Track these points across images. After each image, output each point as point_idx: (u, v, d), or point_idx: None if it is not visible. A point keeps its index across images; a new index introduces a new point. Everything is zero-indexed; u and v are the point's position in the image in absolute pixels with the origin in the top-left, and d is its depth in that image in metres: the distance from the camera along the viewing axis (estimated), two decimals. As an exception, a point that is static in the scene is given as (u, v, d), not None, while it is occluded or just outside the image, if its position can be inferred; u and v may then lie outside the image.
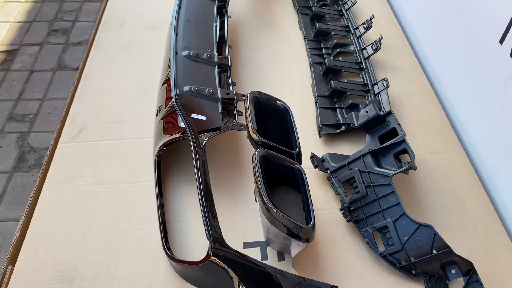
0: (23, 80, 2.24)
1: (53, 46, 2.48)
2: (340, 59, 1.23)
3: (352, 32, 1.31)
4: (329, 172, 0.93)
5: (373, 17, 1.24)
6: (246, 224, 0.88)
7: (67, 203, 0.94)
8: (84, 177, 0.99)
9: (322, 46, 1.30)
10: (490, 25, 0.88)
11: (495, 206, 0.90)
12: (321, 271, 0.81)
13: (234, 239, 0.83)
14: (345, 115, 1.08)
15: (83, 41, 2.53)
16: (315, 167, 0.94)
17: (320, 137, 1.05)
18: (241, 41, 1.35)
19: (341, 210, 0.87)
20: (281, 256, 0.83)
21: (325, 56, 1.26)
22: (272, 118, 0.85)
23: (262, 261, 0.73)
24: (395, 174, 0.83)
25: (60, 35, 2.57)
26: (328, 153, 0.97)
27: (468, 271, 0.75)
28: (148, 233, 0.87)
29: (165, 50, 1.21)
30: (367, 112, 0.97)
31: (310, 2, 1.46)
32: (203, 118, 0.94)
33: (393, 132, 0.93)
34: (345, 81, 1.16)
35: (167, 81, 1.07)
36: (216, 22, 1.23)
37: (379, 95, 1.10)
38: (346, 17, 1.38)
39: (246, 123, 0.81)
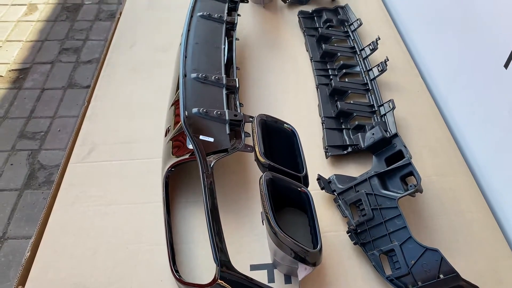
0: (35, 98, 2.29)
1: (64, 65, 2.54)
2: (346, 80, 1.25)
3: (358, 53, 1.33)
4: (335, 194, 0.94)
5: (379, 38, 1.26)
6: (253, 246, 0.89)
7: (76, 224, 0.95)
8: (94, 197, 1.01)
9: (329, 67, 1.32)
10: (495, 49, 0.89)
11: (502, 229, 0.90)
12: (328, 294, 0.82)
13: (241, 261, 0.84)
14: (351, 136, 1.09)
15: (93, 59, 2.58)
16: (322, 188, 0.95)
17: (326, 158, 1.06)
18: (249, 62, 1.37)
19: (348, 232, 0.87)
20: (288, 279, 0.83)
21: (331, 77, 1.28)
22: (279, 141, 0.87)
23: (269, 284, 0.74)
24: (402, 197, 0.84)
25: (71, 54, 2.63)
26: (334, 174, 0.97)
27: (476, 296, 0.74)
28: (156, 255, 0.88)
29: (174, 72, 1.24)
30: (373, 134, 0.98)
31: (317, 24, 1.49)
32: (211, 139, 0.95)
33: (400, 155, 0.93)
34: (351, 102, 1.17)
35: (176, 102, 1.09)
36: (224, 44, 1.25)
37: (385, 117, 1.11)
38: (352, 38, 1.39)
39: (254, 145, 0.83)
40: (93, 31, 2.84)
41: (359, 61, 1.30)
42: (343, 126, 1.13)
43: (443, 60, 1.19)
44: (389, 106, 1.10)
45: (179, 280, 0.79)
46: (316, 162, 1.05)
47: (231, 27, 1.33)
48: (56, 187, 1.04)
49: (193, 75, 1.10)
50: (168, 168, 0.96)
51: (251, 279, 0.70)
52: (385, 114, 1.11)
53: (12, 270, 1.58)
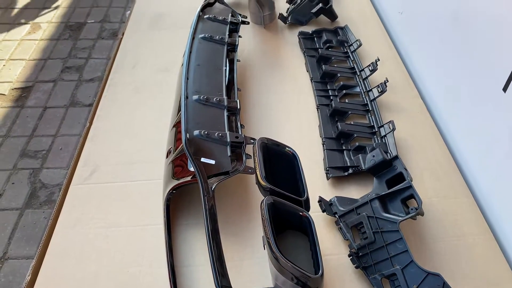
0: (37, 116, 2.30)
1: (66, 83, 2.56)
2: (347, 100, 1.26)
3: (358, 74, 1.34)
4: (337, 217, 0.94)
5: (378, 59, 1.27)
6: (254, 269, 0.88)
7: (77, 247, 0.95)
8: (95, 219, 1.01)
9: (329, 88, 1.33)
10: (494, 73, 0.90)
11: (504, 253, 0.90)
12: (330, 319, 0.81)
13: (242, 285, 0.83)
14: (352, 158, 1.09)
15: (95, 78, 2.61)
16: (323, 211, 0.95)
17: (327, 179, 1.06)
18: (250, 82, 1.38)
19: (349, 256, 0.87)
20: (289, 303, 0.83)
21: (331, 97, 1.29)
22: (280, 164, 0.87)
23: (271, 310, 0.73)
24: (403, 220, 0.84)
25: (74, 72, 2.65)
26: (336, 196, 0.97)
27: (479, 321, 0.74)
28: (157, 278, 0.88)
29: (176, 92, 1.25)
30: (373, 156, 0.98)
31: (317, 44, 1.50)
32: (212, 162, 0.96)
33: (400, 177, 0.94)
34: (352, 123, 1.18)
35: (177, 124, 1.10)
36: (226, 65, 1.26)
37: (385, 138, 1.11)
38: (352, 59, 1.41)
39: (255, 169, 0.83)
40: (95, 49, 2.87)
41: (359, 82, 1.32)
42: (344, 147, 1.13)
43: (442, 81, 1.20)
44: (389, 127, 1.11)
45: (180, 304, 0.78)
46: (317, 183, 1.06)
47: (232, 48, 1.35)
48: (58, 209, 1.04)
49: (195, 97, 1.11)
50: (169, 191, 0.96)
51: (253, 304, 0.69)
52: (385, 135, 1.11)
53: (12, 291, 1.58)
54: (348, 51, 1.44)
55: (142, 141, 1.20)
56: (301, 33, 1.54)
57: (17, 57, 2.77)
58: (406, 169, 0.93)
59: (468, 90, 1.04)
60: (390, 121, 1.12)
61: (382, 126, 1.15)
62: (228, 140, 1.01)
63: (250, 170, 0.94)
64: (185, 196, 1.03)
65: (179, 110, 1.10)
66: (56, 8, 3.30)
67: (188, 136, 0.99)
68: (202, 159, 0.95)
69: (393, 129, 1.10)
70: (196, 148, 0.98)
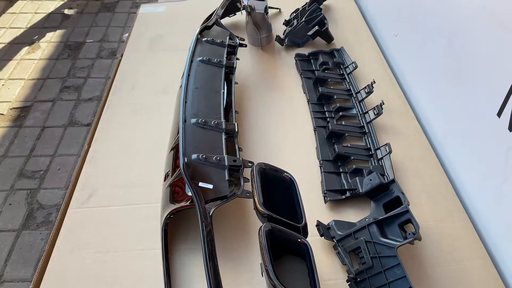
0: (35, 136, 2.31)
1: (65, 103, 2.57)
2: (343, 122, 1.27)
3: (354, 96, 1.35)
4: (335, 241, 0.94)
5: (374, 82, 1.29)
6: (252, 296, 0.88)
7: (75, 272, 0.95)
8: (92, 244, 1.01)
9: (325, 110, 1.34)
10: (488, 98, 0.91)
11: (502, 278, 0.90)
12: None
13: (240, 312, 0.83)
14: (349, 180, 1.10)
15: (94, 97, 2.62)
16: (321, 235, 0.95)
17: (325, 203, 1.06)
18: (247, 104, 1.39)
19: (347, 281, 0.87)
20: (288, 330, 0.82)
21: (328, 119, 1.30)
22: (278, 190, 0.87)
23: (269, 338, 0.72)
24: (400, 245, 0.84)
25: (72, 92, 2.67)
26: (333, 220, 0.98)
27: None
28: (155, 305, 0.87)
29: (174, 115, 1.26)
30: (370, 180, 0.99)
31: (313, 66, 1.52)
32: (210, 186, 0.96)
33: (397, 201, 0.94)
34: (349, 145, 1.18)
35: (175, 147, 1.11)
36: (224, 88, 1.28)
37: (382, 160, 1.12)
38: (348, 81, 1.42)
39: (253, 195, 0.83)
40: (94, 68, 2.89)
41: (355, 104, 1.33)
42: (341, 170, 1.14)
43: (437, 104, 1.21)
44: (386, 150, 1.12)
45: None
46: (315, 206, 1.06)
47: (230, 70, 1.36)
48: (55, 233, 1.04)
49: (193, 120, 1.12)
50: (167, 215, 0.96)
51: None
52: (382, 158, 1.12)
53: (7, 315, 1.56)
54: (344, 73, 1.46)
55: (140, 163, 1.20)
56: (297, 55, 1.56)
57: (16, 76, 2.78)
58: (403, 193, 0.93)
59: (463, 113, 1.05)
60: (386, 144, 1.13)
61: (379, 148, 1.15)
62: (226, 163, 1.02)
63: (248, 194, 0.94)
64: (183, 220, 1.03)
65: (177, 133, 1.11)
66: (55, 27, 3.33)
67: (186, 160, 1.00)
68: (200, 184, 0.96)
69: (390, 152, 1.11)
70: (194, 172, 0.98)
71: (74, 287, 0.92)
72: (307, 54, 1.56)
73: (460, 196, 1.06)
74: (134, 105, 1.41)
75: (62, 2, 3.58)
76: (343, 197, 1.06)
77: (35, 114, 2.48)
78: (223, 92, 1.26)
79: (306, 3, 1.74)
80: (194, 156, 1.01)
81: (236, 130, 1.14)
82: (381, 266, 0.84)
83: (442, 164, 1.14)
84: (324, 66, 1.49)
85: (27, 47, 3.10)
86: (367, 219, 0.94)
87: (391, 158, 1.11)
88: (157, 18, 1.88)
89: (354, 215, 1.03)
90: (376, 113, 1.23)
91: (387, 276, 0.83)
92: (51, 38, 3.22)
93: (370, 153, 1.16)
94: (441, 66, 1.15)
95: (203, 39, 1.44)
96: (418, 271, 0.90)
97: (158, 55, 1.64)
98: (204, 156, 1.01)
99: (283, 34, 1.66)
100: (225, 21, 1.71)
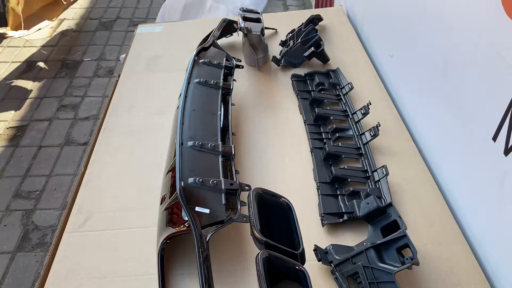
0: (31, 156, 2.30)
1: (61, 122, 2.57)
2: (340, 144, 1.27)
3: (350, 117, 1.36)
4: (333, 266, 0.94)
5: (370, 103, 1.29)
6: (250, 323, 0.87)
7: (70, 299, 0.94)
8: (88, 269, 1.00)
9: (322, 131, 1.35)
10: (483, 122, 0.92)
11: (501, 303, 0.89)
12: None
13: None
14: (347, 203, 1.10)
15: (91, 116, 2.62)
16: (319, 260, 0.94)
17: (323, 226, 1.06)
18: (244, 125, 1.40)
19: (346, 307, 0.86)
20: None
21: (325, 140, 1.30)
22: (276, 215, 0.87)
23: None
24: (398, 271, 0.83)
25: (69, 111, 2.67)
26: (331, 244, 0.97)
27: None
28: (151, 332, 0.86)
29: (171, 136, 1.26)
30: (368, 203, 0.99)
31: (309, 87, 1.53)
32: (207, 211, 0.96)
33: (395, 224, 0.94)
34: (345, 167, 1.19)
35: (172, 169, 1.11)
36: (220, 110, 1.28)
37: (379, 183, 1.12)
38: (344, 101, 1.43)
39: (250, 221, 0.83)
40: (91, 87, 2.90)
41: (351, 125, 1.33)
42: (338, 192, 1.14)
43: (433, 125, 1.22)
44: (383, 173, 1.12)
45: None
46: (312, 229, 1.06)
47: (227, 92, 1.37)
48: (50, 258, 1.03)
49: (190, 143, 1.12)
50: (163, 240, 0.96)
51: None
52: (379, 180, 1.12)
53: None
54: (340, 93, 1.47)
55: (137, 186, 1.20)
56: (294, 76, 1.57)
57: (13, 96, 2.79)
58: (400, 217, 0.93)
59: (458, 137, 1.06)
60: (383, 166, 1.13)
61: (376, 170, 1.15)
62: (223, 187, 1.01)
63: (244, 219, 0.94)
64: (180, 244, 1.02)
65: (174, 155, 1.11)
66: (53, 46, 3.35)
67: (182, 184, 1.00)
68: (197, 208, 0.95)
69: (386, 174, 1.11)
70: (190, 196, 0.98)
71: (69, 314, 0.90)
72: (303, 74, 1.57)
73: (458, 219, 1.06)
74: (131, 126, 1.41)
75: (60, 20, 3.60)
76: (341, 220, 1.05)
77: (31, 133, 2.48)
78: (220, 114, 1.26)
79: (302, 23, 1.76)
80: (190, 180, 1.01)
81: (233, 153, 1.14)
82: (380, 292, 0.83)
83: (439, 186, 1.14)
84: (320, 87, 1.50)
85: (24, 66, 3.11)
86: (364, 243, 0.94)
87: (388, 180, 1.11)
88: (154, 38, 1.90)
89: (351, 239, 1.02)
90: (372, 134, 1.23)
91: (386, 302, 0.82)
92: (48, 57, 3.24)
93: (367, 175, 1.17)
94: (436, 89, 1.16)
95: (200, 61, 1.45)
96: (416, 296, 0.90)
97: (155, 76, 1.65)
98: (200, 180, 1.01)
99: (280, 55, 1.68)
100: (221, 41, 1.73)
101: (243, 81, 1.58)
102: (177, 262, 1.00)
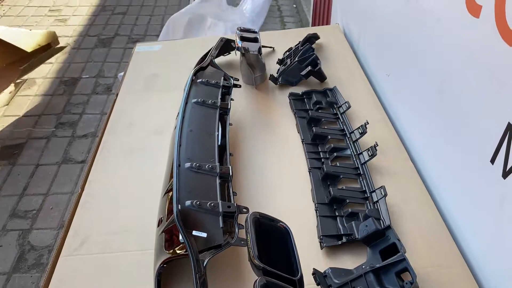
0: (28, 174, 2.29)
1: (59, 139, 2.57)
2: (338, 164, 1.27)
3: (348, 136, 1.36)
4: (331, 290, 0.92)
5: (367, 123, 1.29)
6: None
7: (65, 326, 0.92)
8: (84, 294, 0.98)
9: (320, 150, 1.35)
10: (481, 144, 0.92)
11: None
12: None
13: None
14: (345, 225, 1.09)
15: (89, 133, 2.62)
16: (318, 284, 0.93)
17: (321, 249, 1.05)
18: (242, 145, 1.39)
19: (345, 333, 0.85)
20: None
21: (323, 160, 1.30)
22: (273, 239, 0.86)
23: None
24: (398, 296, 0.82)
25: (67, 128, 2.67)
26: (330, 268, 0.96)
27: None
28: None
29: (168, 157, 1.25)
30: (366, 226, 0.98)
31: (307, 105, 1.53)
32: (204, 235, 0.95)
33: (394, 247, 0.93)
34: (344, 187, 1.18)
35: (169, 191, 1.10)
36: (218, 130, 1.28)
37: (377, 204, 1.11)
38: (342, 120, 1.43)
39: (247, 247, 0.82)
40: (89, 104, 2.90)
41: (349, 144, 1.33)
42: (337, 213, 1.13)
43: (431, 145, 1.22)
44: (381, 193, 1.11)
45: None
46: (311, 252, 1.05)
47: (224, 112, 1.37)
48: (46, 282, 1.02)
49: (187, 164, 1.12)
50: (160, 264, 0.95)
51: None
52: (377, 201, 1.12)
53: None
54: (338, 112, 1.47)
55: (134, 208, 1.19)
56: (291, 94, 1.58)
57: (11, 113, 2.79)
58: (399, 240, 0.93)
59: (456, 158, 1.06)
60: (381, 187, 1.12)
61: (374, 191, 1.15)
62: (220, 210, 1.01)
63: (242, 242, 0.93)
64: (177, 268, 1.01)
65: (171, 176, 1.10)
66: (51, 63, 3.36)
67: (179, 207, 0.99)
68: (194, 232, 0.95)
69: (385, 195, 1.10)
70: (187, 219, 0.97)
71: None
72: (300, 93, 1.58)
73: (457, 241, 1.05)
74: (129, 146, 1.41)
75: (59, 37, 3.62)
76: (339, 242, 1.04)
77: (29, 151, 2.47)
78: (218, 135, 1.26)
79: (299, 42, 1.78)
80: (188, 202, 1.00)
81: (231, 174, 1.13)
82: (379, 317, 0.82)
83: (437, 207, 1.14)
84: (317, 106, 1.50)
85: (23, 83, 3.11)
86: (363, 266, 0.93)
87: (387, 200, 1.10)
88: (152, 57, 1.90)
89: (350, 261, 1.01)
90: (370, 154, 1.23)
91: (386, 329, 0.81)
92: (47, 74, 3.25)
93: (366, 195, 1.16)
94: (433, 108, 1.17)
95: (198, 80, 1.45)
96: (416, 321, 0.88)
97: (153, 95, 1.65)
98: (198, 202, 1.00)
99: (277, 73, 1.68)
100: (219, 59, 1.73)
101: (240, 100, 1.58)
102: (175, 287, 0.98)
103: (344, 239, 1.05)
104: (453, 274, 0.97)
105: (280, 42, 1.89)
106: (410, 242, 1.02)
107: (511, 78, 0.82)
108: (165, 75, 1.75)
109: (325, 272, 0.96)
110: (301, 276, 0.79)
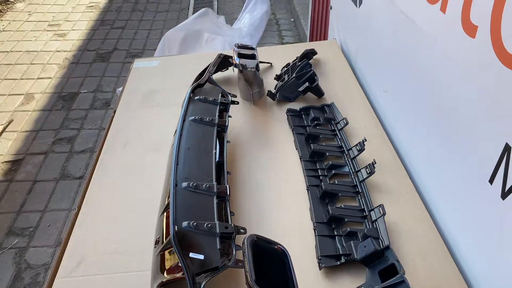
0: (26, 190, 2.28)
1: (57, 155, 2.56)
2: (336, 181, 1.26)
3: (346, 153, 1.36)
4: (330, 312, 0.91)
5: (365, 140, 1.29)
6: None
7: None
8: (79, 318, 0.97)
9: (318, 167, 1.34)
10: (479, 164, 0.92)
11: None
12: None
13: None
14: (344, 244, 1.08)
15: (86, 149, 2.61)
16: (316, 306, 0.92)
17: (320, 269, 1.04)
18: (240, 163, 1.39)
19: None
20: None
21: (321, 177, 1.29)
22: (271, 262, 0.85)
23: None
24: (398, 320, 0.81)
25: (65, 144, 2.66)
26: (328, 290, 0.95)
27: None
28: None
29: (165, 176, 1.24)
30: (365, 246, 0.97)
31: (305, 122, 1.53)
32: (201, 257, 0.94)
33: (393, 268, 0.92)
34: (342, 206, 1.17)
35: (166, 210, 1.09)
36: (215, 148, 1.27)
37: (376, 222, 1.11)
38: (340, 137, 1.43)
39: (244, 270, 0.81)
40: (88, 120, 2.90)
41: (347, 161, 1.33)
42: (335, 233, 1.12)
43: (429, 163, 1.21)
44: (380, 212, 1.10)
45: None
46: (310, 273, 1.03)
47: (222, 129, 1.37)
48: (41, 305, 1.00)
49: (184, 184, 1.11)
50: (156, 286, 0.93)
51: None
52: (376, 220, 1.11)
53: None
54: (336, 128, 1.47)
55: (131, 227, 1.18)
56: (289, 110, 1.57)
57: (9, 129, 2.78)
58: (398, 261, 0.92)
59: (455, 178, 1.05)
60: (380, 205, 1.12)
61: (373, 209, 1.14)
62: (218, 231, 1.00)
63: (240, 264, 0.92)
64: (174, 289, 0.99)
65: (168, 196, 1.09)
66: (50, 78, 3.37)
67: (176, 228, 0.98)
68: (191, 255, 0.93)
69: (383, 214, 1.09)
70: (184, 240, 0.96)
71: None
72: (298, 109, 1.57)
73: (457, 260, 1.04)
74: (126, 163, 1.40)
75: (58, 52, 3.64)
76: (338, 263, 1.03)
77: (26, 167, 2.46)
78: (215, 153, 1.26)
79: (297, 57, 1.78)
80: (184, 223, 0.99)
81: (228, 193, 1.12)
82: None
83: (437, 226, 1.13)
84: (315, 122, 1.50)
85: (21, 99, 3.12)
86: (363, 288, 0.92)
87: (385, 219, 1.09)
88: (150, 72, 1.91)
89: (349, 282, 1.00)
90: (368, 172, 1.22)
91: None
92: (46, 89, 3.25)
93: (364, 214, 1.15)
94: (431, 126, 1.16)
95: (196, 98, 1.45)
96: None
97: (150, 111, 1.65)
98: (195, 223, 0.99)
99: (275, 89, 1.69)
100: (217, 75, 1.74)
101: (238, 116, 1.58)
102: (172, 309, 0.97)
103: (343, 259, 1.03)
104: (454, 295, 0.96)
105: (278, 57, 1.90)
106: (409, 262, 1.01)
107: (507, 98, 0.81)
108: (163, 91, 1.75)
109: (324, 294, 0.95)
110: (299, 301, 0.78)
